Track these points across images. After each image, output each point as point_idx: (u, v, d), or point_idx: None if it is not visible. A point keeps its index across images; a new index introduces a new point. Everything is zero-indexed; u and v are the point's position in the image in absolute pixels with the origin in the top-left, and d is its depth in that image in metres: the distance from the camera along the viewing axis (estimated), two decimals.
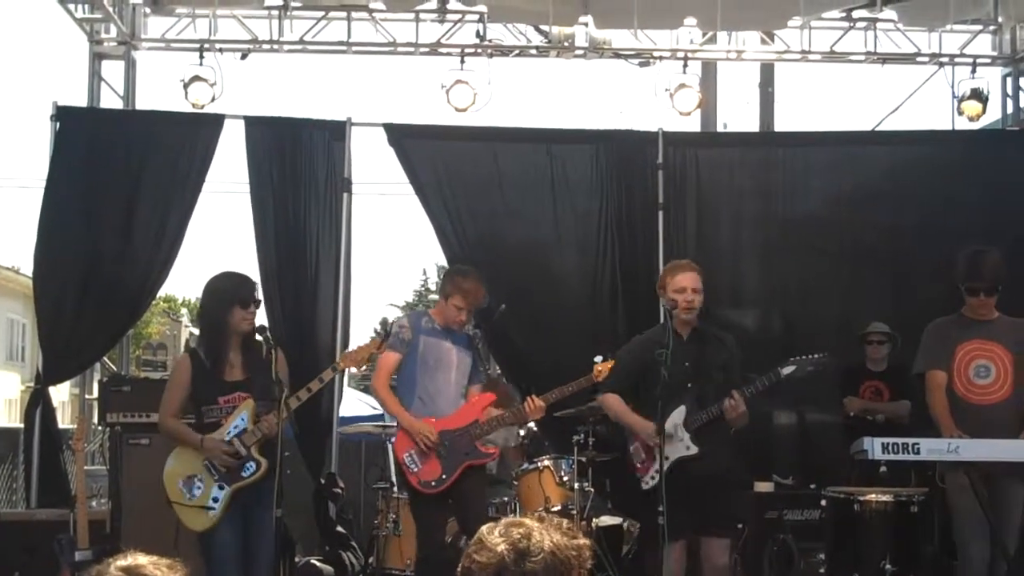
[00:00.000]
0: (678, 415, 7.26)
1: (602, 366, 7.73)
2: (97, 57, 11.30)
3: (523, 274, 10.53)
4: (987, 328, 7.53)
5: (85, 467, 8.21)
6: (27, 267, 28.54)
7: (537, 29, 11.37)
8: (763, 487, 9.37)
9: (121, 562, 3.02)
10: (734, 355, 7.61)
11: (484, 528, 3.07)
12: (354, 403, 15.83)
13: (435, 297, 7.74)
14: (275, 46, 11.16)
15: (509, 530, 3.03)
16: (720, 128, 14.31)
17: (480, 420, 7.69)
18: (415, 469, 7.59)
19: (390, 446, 8.61)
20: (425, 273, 49.16)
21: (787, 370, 7.31)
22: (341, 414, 10.77)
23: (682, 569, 7.27)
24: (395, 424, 8.05)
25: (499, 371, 10.80)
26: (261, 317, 7.51)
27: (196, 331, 9.56)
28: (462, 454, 7.60)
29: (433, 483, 7.57)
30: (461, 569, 3.04)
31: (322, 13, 11.11)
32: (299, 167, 10.47)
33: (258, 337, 6.96)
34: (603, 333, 10.05)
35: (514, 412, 7.84)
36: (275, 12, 10.96)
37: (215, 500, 6.83)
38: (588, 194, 10.60)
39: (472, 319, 8.11)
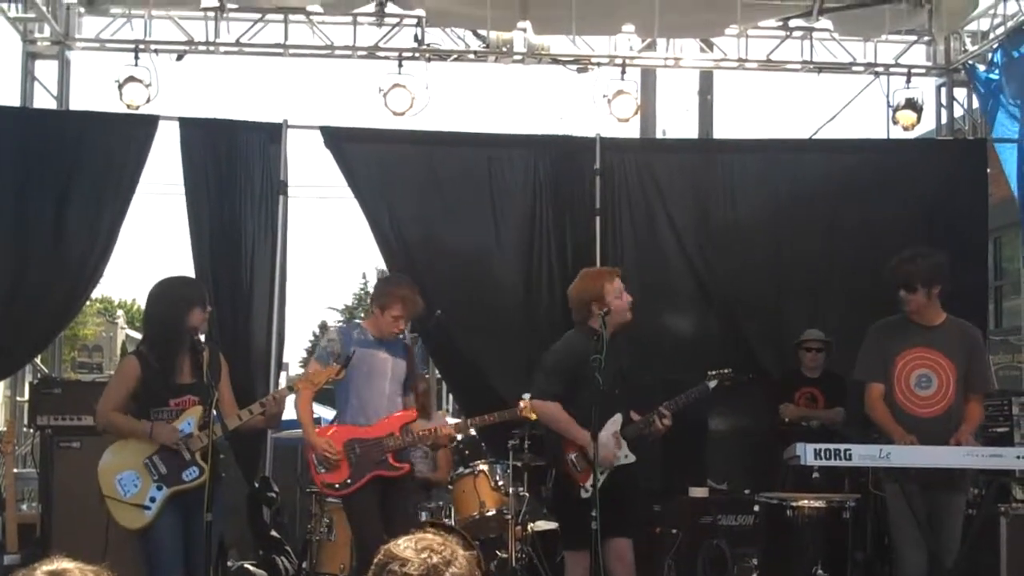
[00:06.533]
0: (612, 424, 7.19)
1: (528, 403, 7.57)
2: (30, 56, 11.15)
3: (461, 278, 10.52)
4: (932, 335, 7.31)
5: (15, 470, 8.14)
6: None
7: (475, 34, 11.36)
8: (697, 492, 9.41)
9: (47, 567, 2.97)
10: (629, 361, 7.55)
11: (390, 548, 3.12)
12: (289, 407, 15.67)
13: None
14: (211, 47, 11.06)
15: (423, 543, 3.11)
16: (659, 135, 14.38)
17: (395, 433, 7.61)
18: (321, 470, 7.57)
19: None
20: (365, 277, 49.26)
21: (713, 384, 7.47)
22: None
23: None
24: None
25: (438, 374, 10.80)
26: None
27: (135, 334, 9.50)
28: (372, 463, 7.53)
29: (337, 485, 7.54)
30: None
31: (259, 15, 11.02)
32: (235, 169, 10.42)
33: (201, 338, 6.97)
34: (540, 338, 10.02)
35: (428, 433, 7.77)
36: (211, 13, 10.83)
37: (152, 500, 6.73)
38: (525, 199, 10.61)
39: (408, 326, 8.05)
